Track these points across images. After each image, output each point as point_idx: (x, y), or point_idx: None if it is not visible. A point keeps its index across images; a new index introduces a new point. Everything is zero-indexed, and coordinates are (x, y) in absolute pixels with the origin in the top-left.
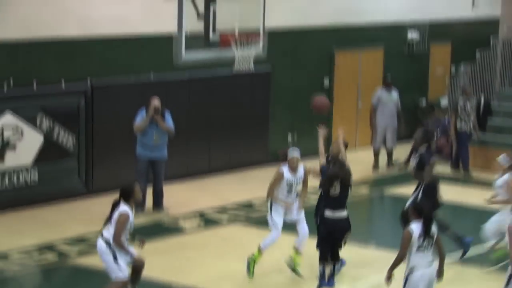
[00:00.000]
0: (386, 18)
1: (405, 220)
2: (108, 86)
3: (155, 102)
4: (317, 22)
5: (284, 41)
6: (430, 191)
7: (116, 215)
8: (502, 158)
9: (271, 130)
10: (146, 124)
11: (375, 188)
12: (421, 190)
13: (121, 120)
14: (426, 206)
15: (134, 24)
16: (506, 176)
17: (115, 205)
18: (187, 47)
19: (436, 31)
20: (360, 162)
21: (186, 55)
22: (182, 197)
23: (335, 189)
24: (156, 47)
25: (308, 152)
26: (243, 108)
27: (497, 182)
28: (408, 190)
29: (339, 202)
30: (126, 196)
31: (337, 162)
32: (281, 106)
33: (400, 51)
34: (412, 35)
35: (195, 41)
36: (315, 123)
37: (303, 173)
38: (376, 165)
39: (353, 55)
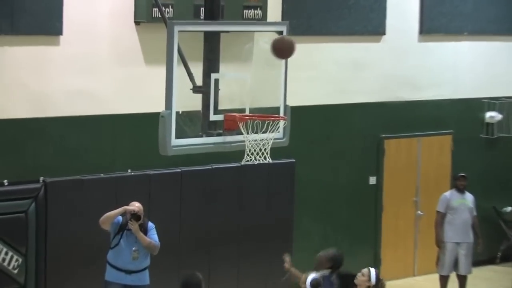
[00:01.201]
0: (456, 92)
1: None
2: (67, 185)
3: (136, 205)
4: (359, 98)
5: (313, 123)
6: None
7: None
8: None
9: (295, 246)
10: (114, 216)
11: None
12: None
13: (85, 233)
14: None
15: (105, 102)
16: None
17: None
18: (178, 131)
19: None
20: None
21: (177, 142)
22: None
23: None
24: (135, 131)
25: None
26: (256, 215)
27: None
28: None
29: None
30: None
31: None
32: (308, 212)
33: (475, 137)
34: (492, 115)
35: (189, 122)
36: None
37: None
38: None
39: (410, 143)
